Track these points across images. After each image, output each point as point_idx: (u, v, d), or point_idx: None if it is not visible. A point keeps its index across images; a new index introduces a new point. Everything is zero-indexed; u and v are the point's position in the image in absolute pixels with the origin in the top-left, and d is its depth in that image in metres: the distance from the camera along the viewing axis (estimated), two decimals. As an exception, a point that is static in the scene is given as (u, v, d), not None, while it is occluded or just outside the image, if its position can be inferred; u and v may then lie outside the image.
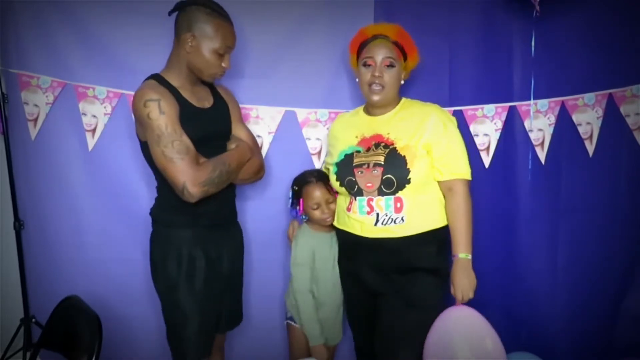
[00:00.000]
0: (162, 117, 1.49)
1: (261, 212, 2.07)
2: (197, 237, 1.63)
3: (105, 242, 2.03)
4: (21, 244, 2.04)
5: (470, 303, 1.68)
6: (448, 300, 1.70)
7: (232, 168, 1.61)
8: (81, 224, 2.02)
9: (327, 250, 1.87)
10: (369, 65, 1.69)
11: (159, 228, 1.68)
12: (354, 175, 1.68)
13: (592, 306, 2.10)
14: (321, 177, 1.85)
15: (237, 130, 1.76)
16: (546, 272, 2.13)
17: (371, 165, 1.65)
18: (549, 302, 2.13)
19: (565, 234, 2.10)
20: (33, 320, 2.06)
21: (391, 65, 1.68)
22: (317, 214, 1.83)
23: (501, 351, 1.53)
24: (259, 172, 1.78)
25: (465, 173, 1.70)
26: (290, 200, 1.91)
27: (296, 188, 1.88)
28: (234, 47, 1.64)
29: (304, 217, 1.90)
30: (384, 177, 1.63)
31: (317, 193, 1.82)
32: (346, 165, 1.71)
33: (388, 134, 1.70)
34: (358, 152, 1.70)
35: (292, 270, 1.87)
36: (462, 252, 1.66)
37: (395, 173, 1.63)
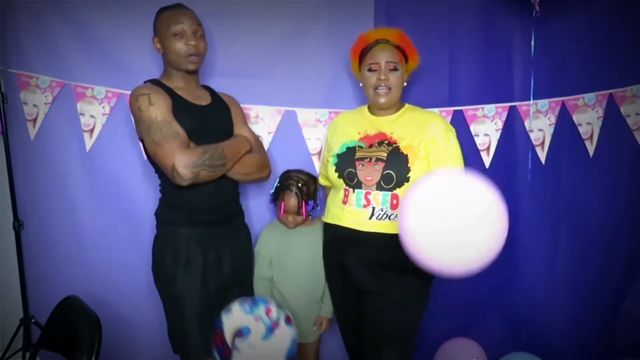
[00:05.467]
0: (152, 107, 1.54)
1: (260, 212, 2.06)
2: (195, 235, 1.63)
3: (105, 242, 2.02)
4: (20, 244, 2.04)
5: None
6: (432, 301, 1.72)
7: (226, 153, 1.59)
8: (80, 224, 2.02)
9: (296, 246, 1.90)
10: (374, 70, 1.72)
11: (160, 227, 1.69)
12: (354, 168, 1.69)
13: (592, 306, 2.10)
14: (302, 189, 1.87)
15: (239, 130, 1.76)
16: (546, 272, 2.13)
17: (373, 159, 1.67)
18: (549, 302, 2.13)
19: (565, 234, 2.10)
20: (32, 320, 2.06)
21: (395, 69, 1.71)
22: (282, 219, 1.91)
23: None
24: (263, 169, 1.76)
25: None
26: (273, 192, 1.94)
27: (278, 185, 1.91)
28: (193, 26, 1.62)
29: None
30: (384, 173, 1.65)
31: (291, 202, 1.86)
32: (347, 158, 1.72)
33: (391, 133, 1.72)
34: (360, 147, 1.72)
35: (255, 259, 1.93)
36: None
37: (396, 170, 1.65)
